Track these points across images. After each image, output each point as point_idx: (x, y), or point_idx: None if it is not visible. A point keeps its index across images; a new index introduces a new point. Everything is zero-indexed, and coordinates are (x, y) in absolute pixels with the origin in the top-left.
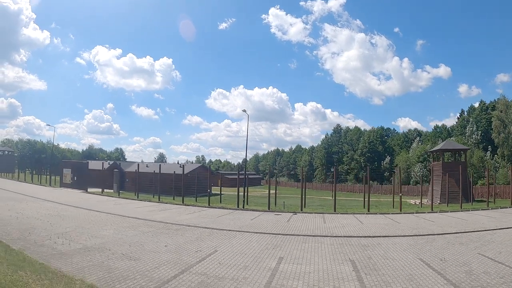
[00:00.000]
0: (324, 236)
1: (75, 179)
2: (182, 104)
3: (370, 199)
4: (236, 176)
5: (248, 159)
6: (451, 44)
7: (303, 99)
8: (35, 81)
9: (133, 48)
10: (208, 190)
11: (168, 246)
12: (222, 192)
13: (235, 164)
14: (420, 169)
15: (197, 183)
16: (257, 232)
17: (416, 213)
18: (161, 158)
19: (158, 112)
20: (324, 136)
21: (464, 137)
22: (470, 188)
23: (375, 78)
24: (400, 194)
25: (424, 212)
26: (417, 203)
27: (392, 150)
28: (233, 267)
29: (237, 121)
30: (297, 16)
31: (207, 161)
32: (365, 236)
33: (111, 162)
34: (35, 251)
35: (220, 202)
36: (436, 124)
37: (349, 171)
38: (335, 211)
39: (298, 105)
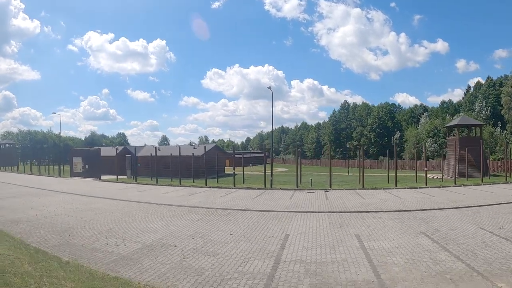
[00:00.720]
0: (377, 211)
1: (87, 167)
2: (178, 85)
3: (384, 174)
4: (241, 156)
5: (251, 137)
6: (449, 19)
7: (300, 76)
8: (28, 72)
9: (126, 32)
10: (234, 171)
11: (234, 234)
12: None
13: (239, 143)
14: (431, 144)
15: (212, 164)
16: (309, 212)
17: (442, 187)
18: (164, 141)
19: (154, 94)
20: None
21: (474, 112)
22: (486, 162)
23: (371, 53)
24: (425, 169)
25: (449, 186)
26: (435, 177)
27: (401, 125)
28: (322, 249)
29: (234, 100)
30: None
31: (210, 141)
32: (415, 210)
33: (121, 148)
34: (92, 260)
35: (243, 182)
36: (442, 100)
37: (358, 147)
38: (363, 187)
39: (294, 82)
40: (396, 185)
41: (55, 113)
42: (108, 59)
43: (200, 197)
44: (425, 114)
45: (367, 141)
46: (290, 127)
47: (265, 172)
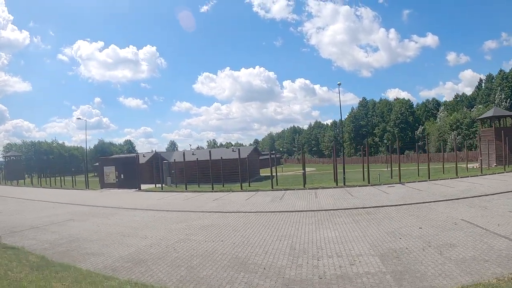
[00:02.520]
0: (459, 199)
1: (122, 176)
2: (170, 91)
3: (417, 168)
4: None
5: (260, 139)
6: (438, 13)
7: (291, 76)
8: (19, 83)
9: (115, 39)
10: (273, 174)
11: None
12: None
13: (247, 144)
14: (456, 136)
15: (255, 166)
16: (405, 204)
17: (498, 173)
18: (172, 146)
19: (146, 101)
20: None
21: (493, 104)
22: None
23: (362, 50)
24: (480, 158)
25: (503, 172)
26: (475, 167)
27: (420, 120)
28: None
29: (226, 104)
30: None
31: (218, 145)
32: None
33: (151, 154)
34: None
35: (277, 184)
36: (456, 93)
37: (379, 143)
38: (429, 178)
39: (286, 83)
40: (457, 175)
41: (79, 118)
42: (99, 67)
43: (281, 202)
44: (441, 108)
45: (391, 137)
46: (302, 127)
47: (335, 170)
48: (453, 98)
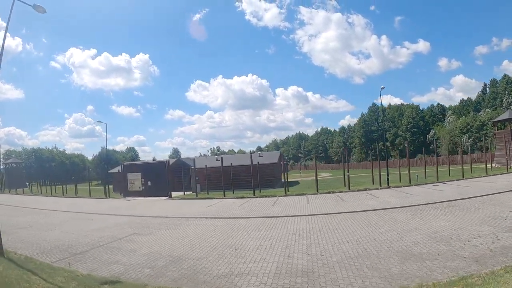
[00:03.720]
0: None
1: (149, 184)
2: (163, 99)
3: (433, 170)
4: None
5: (262, 146)
6: (429, 19)
7: (284, 84)
8: (12, 91)
9: (108, 47)
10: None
11: None
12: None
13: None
14: (467, 139)
15: (280, 171)
16: (473, 197)
17: None
18: (176, 154)
19: (139, 109)
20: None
21: (502, 108)
22: None
23: (354, 57)
24: (507, 157)
25: None
26: (497, 166)
27: (429, 124)
28: None
29: (219, 112)
30: (271, 1)
31: (226, 152)
32: None
33: (172, 160)
34: None
35: (317, 188)
36: (462, 98)
37: (390, 147)
38: (463, 177)
39: (279, 90)
40: (487, 173)
41: (100, 121)
42: (91, 75)
43: (368, 199)
44: (449, 112)
45: (403, 141)
46: (307, 133)
47: (344, 174)
48: (459, 103)
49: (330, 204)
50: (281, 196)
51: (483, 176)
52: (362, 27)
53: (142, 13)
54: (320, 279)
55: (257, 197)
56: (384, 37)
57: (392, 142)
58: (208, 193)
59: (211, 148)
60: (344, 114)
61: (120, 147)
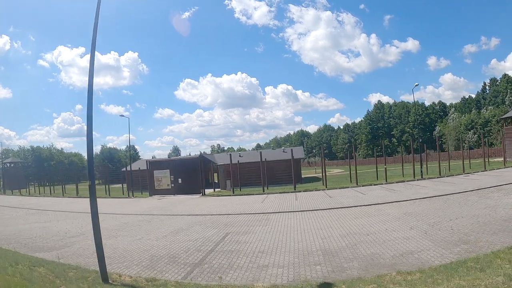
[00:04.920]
0: None
1: (180, 181)
2: (152, 97)
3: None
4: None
5: (262, 144)
6: (418, 17)
7: (273, 82)
8: None
9: (97, 45)
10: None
11: None
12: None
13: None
14: (472, 135)
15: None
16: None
17: None
18: (176, 152)
19: (128, 108)
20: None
21: (504, 105)
22: None
23: (343, 56)
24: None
25: None
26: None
27: (433, 121)
28: None
29: (209, 110)
30: None
31: (225, 149)
32: None
33: (196, 156)
34: None
35: (351, 181)
36: (463, 96)
37: (396, 143)
38: (486, 169)
39: (268, 89)
40: (505, 165)
41: (122, 115)
42: (80, 74)
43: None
44: (452, 110)
45: (410, 137)
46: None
47: (377, 169)
48: (460, 101)
49: (389, 194)
50: (323, 189)
51: (503, 168)
52: (351, 26)
53: (131, 11)
54: None
55: (300, 191)
56: (373, 35)
57: (399, 139)
58: (240, 189)
59: (211, 146)
60: (334, 112)
61: (110, 146)
